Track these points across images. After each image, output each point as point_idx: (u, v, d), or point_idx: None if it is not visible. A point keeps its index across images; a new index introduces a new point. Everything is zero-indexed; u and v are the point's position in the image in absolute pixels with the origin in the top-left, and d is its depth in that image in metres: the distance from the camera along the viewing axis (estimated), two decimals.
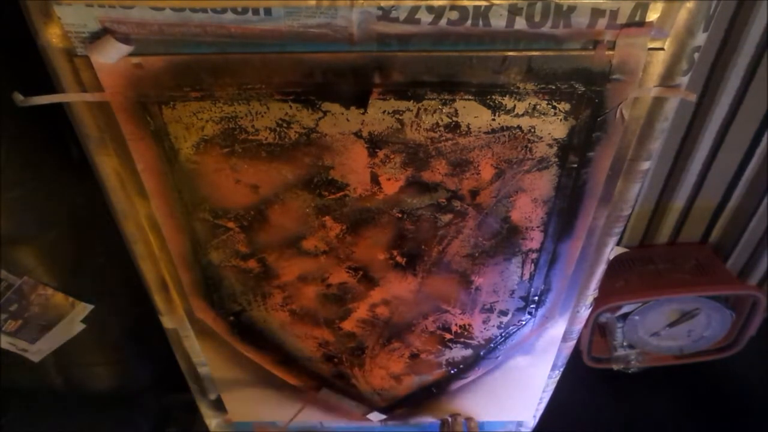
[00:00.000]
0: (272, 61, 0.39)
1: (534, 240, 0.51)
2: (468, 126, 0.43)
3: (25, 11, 0.36)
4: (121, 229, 0.50)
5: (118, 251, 0.59)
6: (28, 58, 0.42)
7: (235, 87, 0.40)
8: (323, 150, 0.44)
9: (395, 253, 0.52)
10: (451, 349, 0.62)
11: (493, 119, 0.42)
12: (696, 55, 0.39)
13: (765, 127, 0.86)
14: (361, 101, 0.41)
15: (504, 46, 0.39)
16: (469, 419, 0.70)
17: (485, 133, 0.43)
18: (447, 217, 0.49)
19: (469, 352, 0.63)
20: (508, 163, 0.45)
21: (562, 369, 0.68)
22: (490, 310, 0.58)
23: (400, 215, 0.49)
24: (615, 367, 1.04)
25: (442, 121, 0.42)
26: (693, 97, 0.42)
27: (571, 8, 0.36)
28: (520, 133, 0.43)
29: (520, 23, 0.37)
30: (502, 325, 0.60)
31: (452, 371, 0.65)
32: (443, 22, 0.37)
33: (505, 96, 0.41)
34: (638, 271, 0.99)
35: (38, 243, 0.62)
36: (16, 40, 0.47)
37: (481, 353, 0.63)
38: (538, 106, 0.42)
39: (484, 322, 0.59)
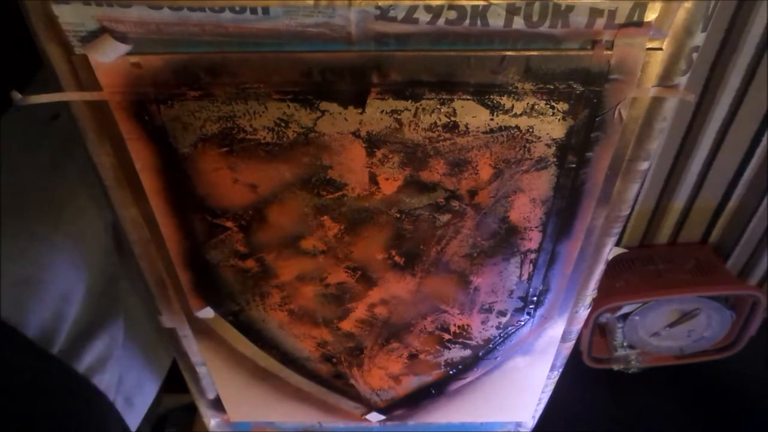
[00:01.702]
0: (270, 61, 0.39)
1: (532, 240, 0.51)
2: (466, 126, 0.43)
3: (24, 10, 0.36)
4: (119, 228, 0.50)
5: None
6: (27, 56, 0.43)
7: (233, 86, 0.40)
8: (321, 149, 0.44)
9: (393, 253, 0.52)
10: (450, 349, 0.62)
11: (492, 119, 0.42)
12: (695, 55, 0.39)
13: (765, 127, 0.86)
14: (359, 101, 0.41)
15: (502, 46, 0.39)
16: None
17: (483, 132, 0.43)
18: (445, 217, 0.49)
19: (467, 352, 0.63)
20: (506, 162, 0.45)
21: (561, 369, 0.68)
22: (489, 310, 0.58)
23: (398, 215, 0.49)
24: (615, 367, 1.04)
25: (440, 120, 0.42)
26: (692, 97, 0.41)
27: (570, 8, 0.36)
28: (518, 132, 0.43)
29: (518, 23, 0.37)
30: (501, 326, 0.60)
31: (451, 372, 0.65)
32: (441, 21, 0.37)
33: (504, 96, 0.41)
34: (638, 272, 0.99)
35: None
36: (15, 39, 0.47)
37: (480, 354, 0.63)
38: (536, 106, 0.42)
39: (482, 322, 0.59)
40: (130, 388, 0.62)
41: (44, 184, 0.55)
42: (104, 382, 0.56)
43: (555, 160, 0.45)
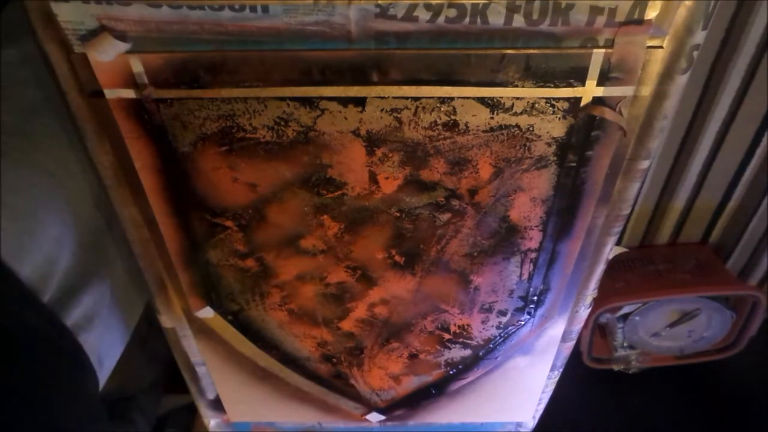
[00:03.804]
0: (270, 59, 0.39)
1: (533, 239, 0.51)
2: (466, 124, 0.43)
3: (23, 8, 0.36)
4: (118, 227, 0.49)
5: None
6: None
7: (233, 85, 0.40)
8: (321, 148, 0.44)
9: (393, 252, 0.52)
10: (450, 349, 0.62)
11: (492, 117, 0.42)
12: (695, 54, 0.39)
13: (765, 127, 0.86)
14: (359, 99, 0.41)
15: (502, 44, 0.38)
16: None
17: (483, 131, 0.43)
18: (445, 216, 0.49)
19: (468, 352, 0.63)
20: (506, 161, 0.45)
21: (561, 369, 0.67)
22: (489, 310, 0.58)
23: (398, 214, 0.49)
24: (615, 367, 1.04)
25: (440, 119, 0.42)
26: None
27: (570, 6, 0.36)
28: (518, 131, 0.43)
29: (518, 21, 0.37)
30: (501, 325, 0.60)
31: (451, 372, 0.65)
32: (441, 19, 0.37)
33: None
34: (638, 272, 0.99)
35: None
36: None
37: (480, 353, 0.63)
38: (536, 105, 0.41)
39: (482, 322, 0.59)
40: (105, 349, 0.60)
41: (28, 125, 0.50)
42: (89, 341, 0.53)
43: (555, 158, 0.45)
